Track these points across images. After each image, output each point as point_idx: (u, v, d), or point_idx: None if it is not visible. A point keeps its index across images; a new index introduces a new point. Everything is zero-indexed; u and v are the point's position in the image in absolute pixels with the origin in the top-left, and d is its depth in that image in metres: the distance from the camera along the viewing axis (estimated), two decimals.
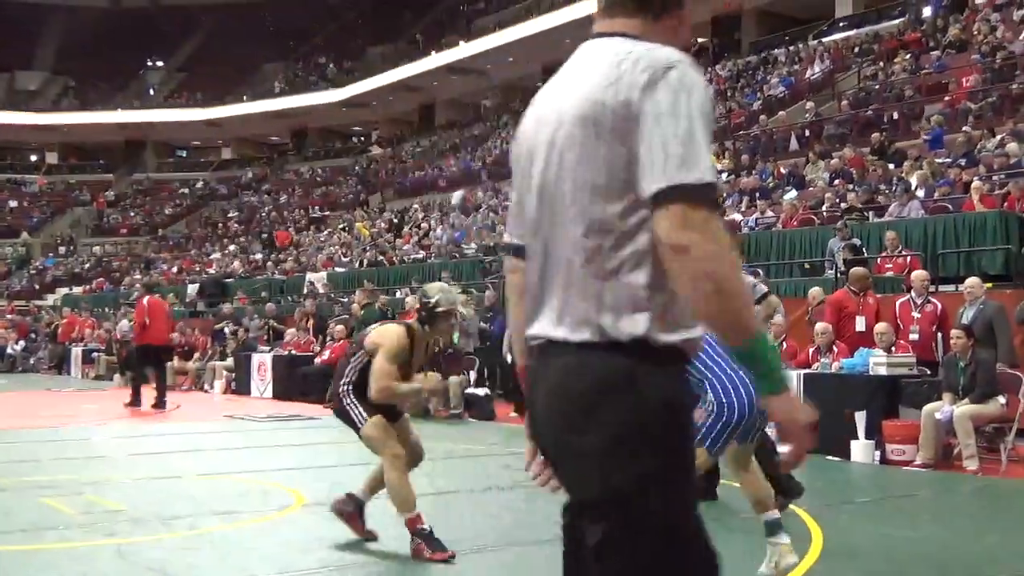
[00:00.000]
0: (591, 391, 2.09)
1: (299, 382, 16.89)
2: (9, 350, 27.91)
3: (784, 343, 10.71)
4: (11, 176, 58.09)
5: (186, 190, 54.89)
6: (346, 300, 20.55)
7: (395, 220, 32.80)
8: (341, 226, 35.50)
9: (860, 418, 9.31)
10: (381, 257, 26.61)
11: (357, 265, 27.01)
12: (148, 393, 15.52)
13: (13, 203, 55.26)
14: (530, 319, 2.26)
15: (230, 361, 19.64)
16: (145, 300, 16.42)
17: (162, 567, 5.30)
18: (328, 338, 17.33)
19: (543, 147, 2.22)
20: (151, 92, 58.40)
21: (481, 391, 14.43)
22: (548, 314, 2.20)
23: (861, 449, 9.31)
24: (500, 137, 38.57)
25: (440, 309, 5.55)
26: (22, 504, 7.09)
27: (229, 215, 47.53)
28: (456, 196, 31.18)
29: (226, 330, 20.77)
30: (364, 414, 5.58)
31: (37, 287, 44.65)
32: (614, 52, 2.14)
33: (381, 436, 5.53)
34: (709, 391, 4.85)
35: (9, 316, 32.22)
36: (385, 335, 5.59)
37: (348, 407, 5.64)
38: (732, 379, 4.83)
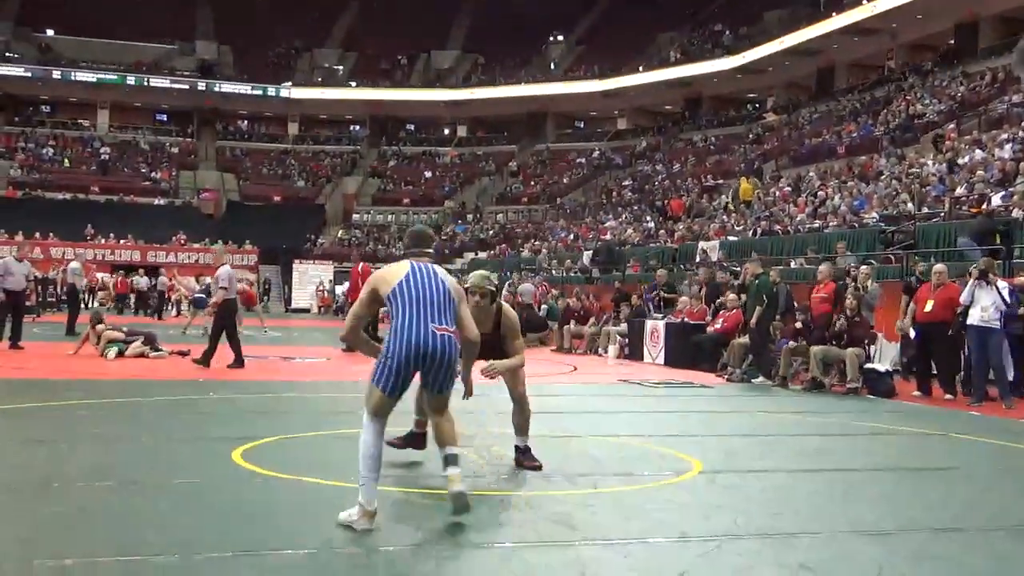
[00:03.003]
0: None
1: (691, 350, 17.00)
2: None
3: None
4: (427, 149, 63.10)
5: (583, 160, 56.75)
6: (739, 268, 20.36)
7: (790, 188, 31.97)
8: (730, 194, 35.18)
9: None
10: (776, 226, 26.09)
11: (751, 234, 26.68)
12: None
13: (428, 174, 59.99)
14: None
15: (624, 327, 20.11)
16: (360, 266, 18.82)
17: (567, 521, 5.53)
18: (720, 307, 17.27)
19: None
20: (552, 66, 60.79)
21: (881, 366, 13.73)
22: None
23: None
24: (905, 100, 36.40)
25: (466, 285, 6.73)
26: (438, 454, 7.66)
27: (623, 184, 48.57)
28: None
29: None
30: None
31: (447, 252, 48.12)
32: None
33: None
34: None
35: None
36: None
37: None
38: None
